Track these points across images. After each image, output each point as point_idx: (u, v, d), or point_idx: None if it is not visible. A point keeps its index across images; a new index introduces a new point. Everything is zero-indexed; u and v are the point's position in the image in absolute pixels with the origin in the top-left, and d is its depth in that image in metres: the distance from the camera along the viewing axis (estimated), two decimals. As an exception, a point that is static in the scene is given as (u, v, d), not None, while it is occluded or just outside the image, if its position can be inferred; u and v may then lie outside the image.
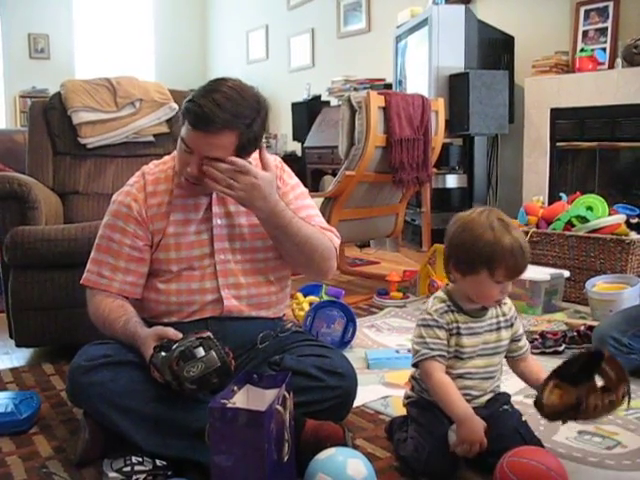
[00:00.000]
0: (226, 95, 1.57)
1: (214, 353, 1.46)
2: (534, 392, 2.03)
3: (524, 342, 1.63)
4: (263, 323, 1.80)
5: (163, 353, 1.47)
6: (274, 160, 1.79)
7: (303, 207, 1.81)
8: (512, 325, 1.61)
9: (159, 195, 1.74)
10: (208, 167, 1.58)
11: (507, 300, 1.61)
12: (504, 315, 1.60)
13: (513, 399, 1.70)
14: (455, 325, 1.54)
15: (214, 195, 1.75)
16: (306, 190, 1.89)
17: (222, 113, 1.54)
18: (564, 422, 1.53)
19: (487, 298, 1.52)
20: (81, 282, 1.75)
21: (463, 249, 1.49)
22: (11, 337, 2.48)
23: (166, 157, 1.84)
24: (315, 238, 1.72)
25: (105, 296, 1.71)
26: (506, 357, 1.64)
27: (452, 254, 1.53)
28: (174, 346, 1.47)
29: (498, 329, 1.58)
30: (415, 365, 1.58)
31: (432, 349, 1.52)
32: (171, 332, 1.56)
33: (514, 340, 1.62)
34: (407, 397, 1.69)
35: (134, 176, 1.80)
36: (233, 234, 1.76)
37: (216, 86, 1.60)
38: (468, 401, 1.54)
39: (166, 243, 1.72)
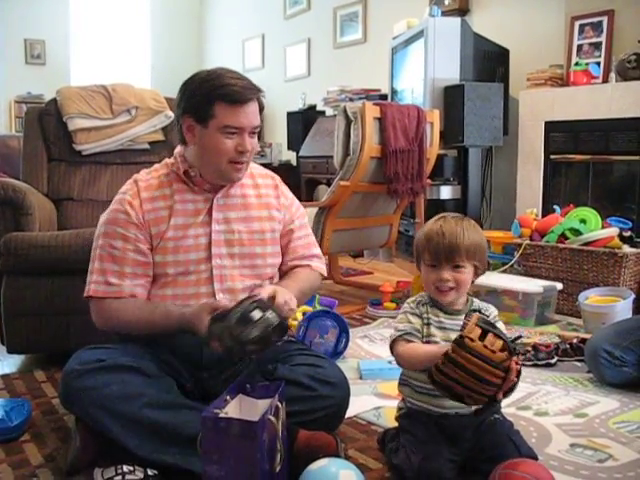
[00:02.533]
0: (235, 72, 1.73)
1: (270, 313, 1.50)
2: (527, 404, 2.05)
3: None
4: None
5: (220, 321, 1.50)
6: (275, 175, 1.95)
7: (304, 226, 1.95)
8: None
9: (155, 200, 1.76)
10: (253, 139, 1.72)
11: (490, 307, 1.64)
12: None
13: (505, 411, 1.70)
14: (425, 316, 1.60)
15: (215, 201, 1.78)
16: (302, 207, 2.00)
17: (249, 83, 1.70)
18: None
19: (428, 285, 1.60)
20: (88, 294, 1.73)
21: (418, 237, 1.63)
22: (2, 343, 2.46)
23: (156, 165, 1.87)
24: (309, 287, 1.89)
25: (121, 302, 1.71)
26: None
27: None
28: (231, 314, 1.49)
29: None
30: (391, 349, 1.62)
31: (400, 330, 1.59)
32: (222, 303, 1.61)
33: None
34: (398, 409, 1.70)
35: (126, 184, 1.81)
36: (232, 239, 1.79)
37: (220, 70, 1.72)
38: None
39: (164, 246, 1.73)
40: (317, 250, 1.98)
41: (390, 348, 1.61)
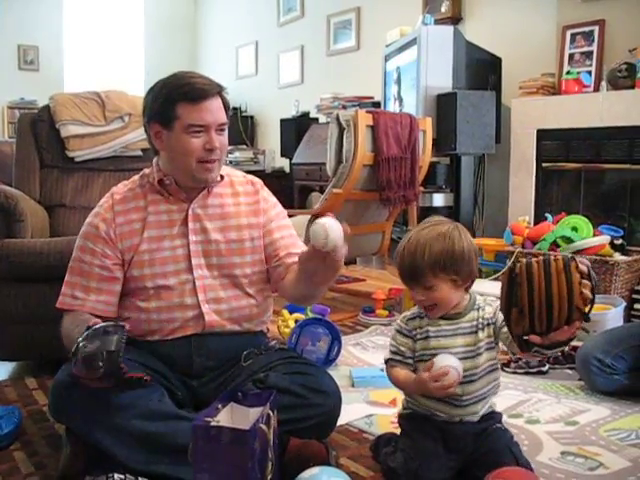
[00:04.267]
0: (195, 72, 1.74)
1: (115, 338, 1.41)
2: (518, 412, 2.05)
3: None
4: (246, 338, 1.81)
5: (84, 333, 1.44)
6: (256, 180, 1.93)
7: (285, 227, 1.89)
8: (493, 323, 1.56)
9: (128, 213, 1.76)
10: (221, 136, 1.71)
11: (493, 302, 1.61)
12: (483, 316, 1.58)
13: (497, 419, 1.70)
14: (418, 331, 1.59)
15: (190, 211, 1.77)
16: (285, 211, 1.96)
17: (209, 80, 1.70)
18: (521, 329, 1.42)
19: (415, 301, 1.58)
20: (56, 305, 1.75)
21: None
22: (-7, 350, 2.45)
23: (134, 177, 1.86)
24: None
25: (76, 315, 1.70)
26: (507, 347, 1.58)
27: None
28: (94, 328, 1.44)
29: (476, 331, 1.57)
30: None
31: (392, 352, 1.62)
32: (95, 320, 1.53)
33: (501, 328, 1.54)
34: (402, 408, 1.69)
35: (104, 197, 1.83)
36: (209, 249, 1.78)
37: (179, 73, 1.74)
38: (459, 407, 1.55)
39: (139, 260, 1.73)
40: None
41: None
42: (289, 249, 1.83)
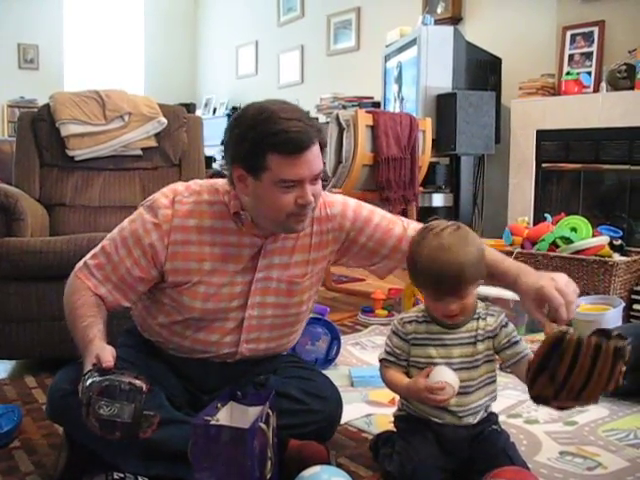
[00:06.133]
0: (289, 107, 1.47)
1: (132, 408, 1.32)
2: (517, 412, 2.05)
3: (520, 348, 1.54)
4: (268, 360, 1.75)
5: (97, 376, 1.36)
6: (336, 201, 1.74)
7: (370, 221, 1.73)
8: (495, 336, 1.55)
9: (187, 232, 1.56)
10: (315, 186, 1.49)
11: (495, 312, 1.58)
12: (484, 328, 1.54)
13: (496, 419, 1.70)
14: (415, 336, 1.55)
15: (263, 248, 1.60)
16: (365, 205, 1.78)
17: (306, 124, 1.44)
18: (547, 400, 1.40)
19: (437, 312, 1.52)
20: (74, 271, 1.61)
21: (409, 265, 1.52)
22: (-7, 349, 2.45)
23: (201, 183, 1.64)
24: None
25: (87, 293, 1.58)
26: (507, 367, 1.57)
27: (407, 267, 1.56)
28: (109, 376, 1.36)
29: (475, 342, 1.54)
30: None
31: (386, 353, 1.60)
32: (107, 359, 1.38)
33: (503, 349, 1.55)
34: (398, 410, 1.69)
35: (163, 197, 1.59)
36: (268, 288, 1.63)
37: (272, 108, 1.45)
38: (454, 416, 1.54)
39: (193, 290, 1.58)
40: (403, 219, 1.78)
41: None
42: (386, 242, 1.71)
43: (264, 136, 1.41)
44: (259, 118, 1.43)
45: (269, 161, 1.42)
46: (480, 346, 1.54)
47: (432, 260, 1.43)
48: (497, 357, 1.58)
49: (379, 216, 1.74)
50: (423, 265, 1.45)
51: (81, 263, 1.62)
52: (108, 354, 1.40)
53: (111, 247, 1.60)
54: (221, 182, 1.62)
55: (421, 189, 3.65)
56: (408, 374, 1.57)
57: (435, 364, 1.51)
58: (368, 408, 2.10)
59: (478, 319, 1.55)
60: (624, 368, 1.32)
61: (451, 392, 1.45)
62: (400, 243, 1.70)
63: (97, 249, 1.62)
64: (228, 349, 1.66)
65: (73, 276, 1.62)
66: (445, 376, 1.46)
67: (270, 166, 1.43)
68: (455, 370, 1.49)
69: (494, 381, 1.59)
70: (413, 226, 1.73)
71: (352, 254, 1.75)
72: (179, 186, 1.62)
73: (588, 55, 3.90)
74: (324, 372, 1.87)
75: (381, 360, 1.62)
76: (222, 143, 1.53)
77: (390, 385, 1.61)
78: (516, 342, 1.56)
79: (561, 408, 1.43)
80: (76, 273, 1.61)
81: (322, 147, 1.50)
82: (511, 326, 1.57)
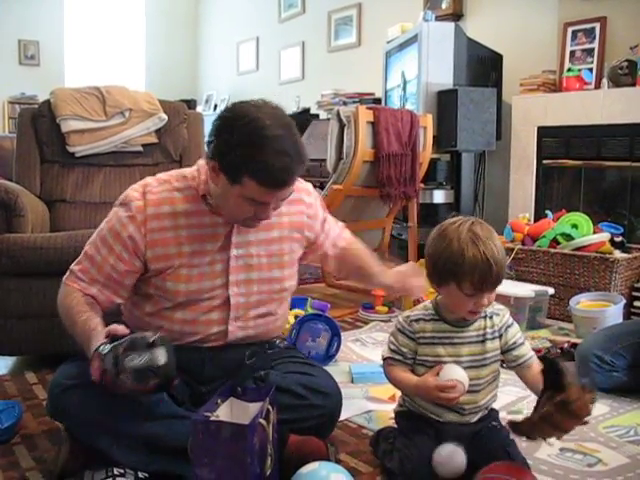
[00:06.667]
0: (282, 133, 1.46)
1: (164, 350, 1.36)
2: (518, 408, 2.05)
3: (524, 350, 1.57)
4: (260, 346, 1.77)
5: (111, 343, 1.37)
6: (309, 190, 1.87)
7: (329, 231, 1.90)
8: (501, 336, 1.57)
9: (162, 218, 1.60)
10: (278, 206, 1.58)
11: (500, 311, 1.59)
12: (492, 327, 1.56)
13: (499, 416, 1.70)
14: (423, 335, 1.55)
15: (235, 225, 1.65)
16: (327, 215, 1.94)
17: (290, 163, 1.46)
18: (543, 438, 1.46)
19: (461, 309, 1.51)
20: (63, 279, 1.66)
21: (432, 260, 1.51)
22: (-7, 345, 2.45)
23: (171, 173, 1.69)
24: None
25: (78, 295, 1.61)
26: (511, 368, 1.60)
27: (426, 264, 1.55)
28: (127, 337, 1.38)
29: (483, 341, 1.55)
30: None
31: (392, 351, 1.59)
32: (121, 328, 1.45)
33: (509, 350, 1.57)
34: (399, 405, 1.69)
35: (134, 191, 1.64)
36: (251, 264, 1.68)
37: (266, 129, 1.44)
38: (458, 414, 1.55)
39: (176, 274, 1.61)
40: (345, 233, 1.98)
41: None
42: (336, 243, 1.92)
43: (249, 160, 1.44)
44: (250, 138, 1.44)
45: (245, 181, 1.46)
46: (489, 345, 1.56)
47: (481, 253, 1.42)
48: (501, 356, 1.59)
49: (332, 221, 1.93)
50: (470, 259, 1.43)
51: (68, 272, 1.67)
52: (115, 327, 1.45)
53: (92, 250, 1.65)
54: (188, 170, 1.68)
55: (422, 185, 3.65)
56: (414, 372, 1.57)
57: (443, 363, 1.52)
58: (368, 404, 2.10)
59: (485, 317, 1.57)
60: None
61: (462, 390, 1.46)
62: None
63: (80, 256, 1.68)
64: (217, 327, 1.68)
65: (62, 285, 1.67)
66: (456, 374, 1.47)
67: (244, 184, 1.47)
68: (464, 369, 1.50)
69: (496, 378, 1.61)
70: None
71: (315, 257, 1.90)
72: (148, 179, 1.67)
73: (589, 51, 3.89)
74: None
75: (385, 358, 1.61)
76: (209, 134, 1.53)
77: (396, 383, 1.61)
78: (522, 344, 1.58)
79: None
80: (64, 281, 1.67)
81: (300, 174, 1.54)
82: (516, 326, 1.59)
